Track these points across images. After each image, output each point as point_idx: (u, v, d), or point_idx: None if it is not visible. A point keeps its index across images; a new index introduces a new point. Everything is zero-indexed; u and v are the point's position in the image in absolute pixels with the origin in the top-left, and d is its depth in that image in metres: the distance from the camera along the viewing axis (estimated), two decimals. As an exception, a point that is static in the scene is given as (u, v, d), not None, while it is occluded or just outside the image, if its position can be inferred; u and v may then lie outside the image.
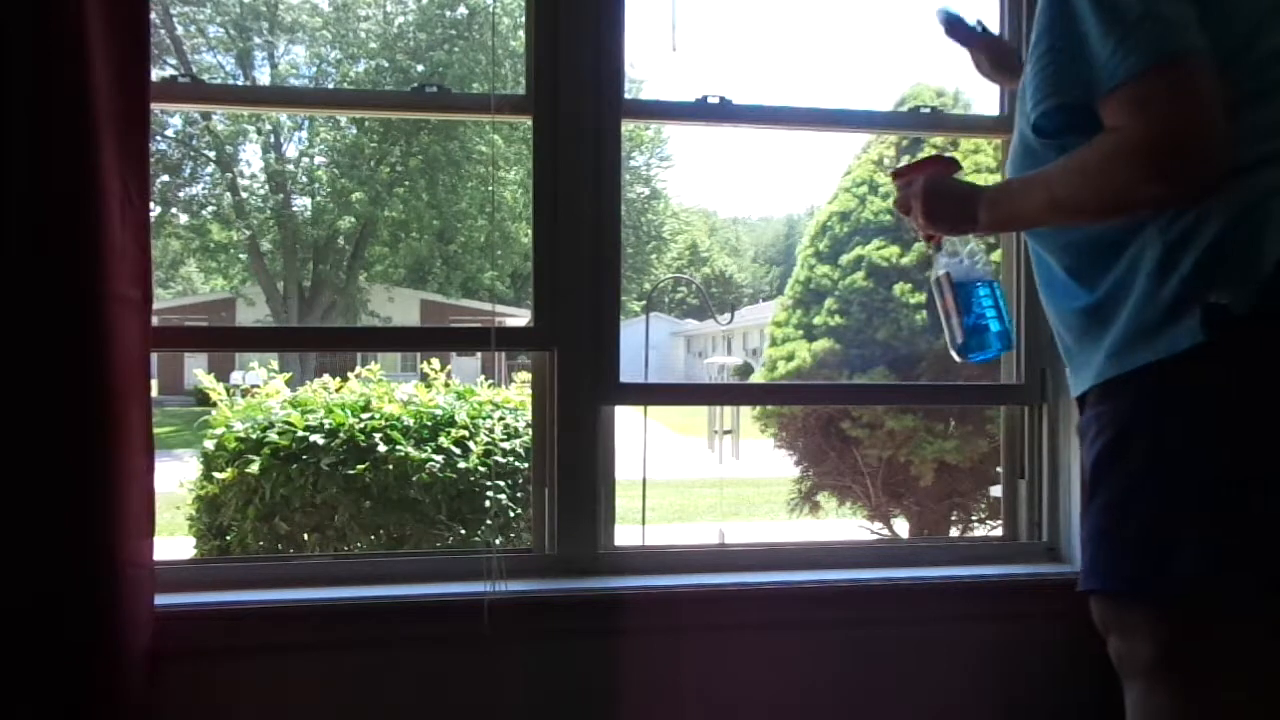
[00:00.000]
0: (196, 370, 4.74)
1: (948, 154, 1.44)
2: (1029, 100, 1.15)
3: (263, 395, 3.91)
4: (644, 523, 3.85)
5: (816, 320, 5.34)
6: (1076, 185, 1.10)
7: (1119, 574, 1.12)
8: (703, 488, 8.88)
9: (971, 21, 1.61)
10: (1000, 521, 2.02)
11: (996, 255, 2.02)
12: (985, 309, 1.36)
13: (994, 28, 1.68)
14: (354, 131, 17.85)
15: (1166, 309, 1.07)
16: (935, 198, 1.31)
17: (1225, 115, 1.00)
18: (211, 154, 18.14)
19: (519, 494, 3.60)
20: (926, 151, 4.89)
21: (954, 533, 5.32)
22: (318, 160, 18.54)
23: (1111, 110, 1.05)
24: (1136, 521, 1.10)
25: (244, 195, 18.30)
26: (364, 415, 3.60)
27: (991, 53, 1.62)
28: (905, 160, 5.28)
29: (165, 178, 17.25)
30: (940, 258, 1.38)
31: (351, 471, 3.45)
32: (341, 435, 3.51)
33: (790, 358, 5.32)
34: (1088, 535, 1.17)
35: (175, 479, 3.92)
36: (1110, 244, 1.13)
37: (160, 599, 1.52)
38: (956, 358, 1.40)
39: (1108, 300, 1.14)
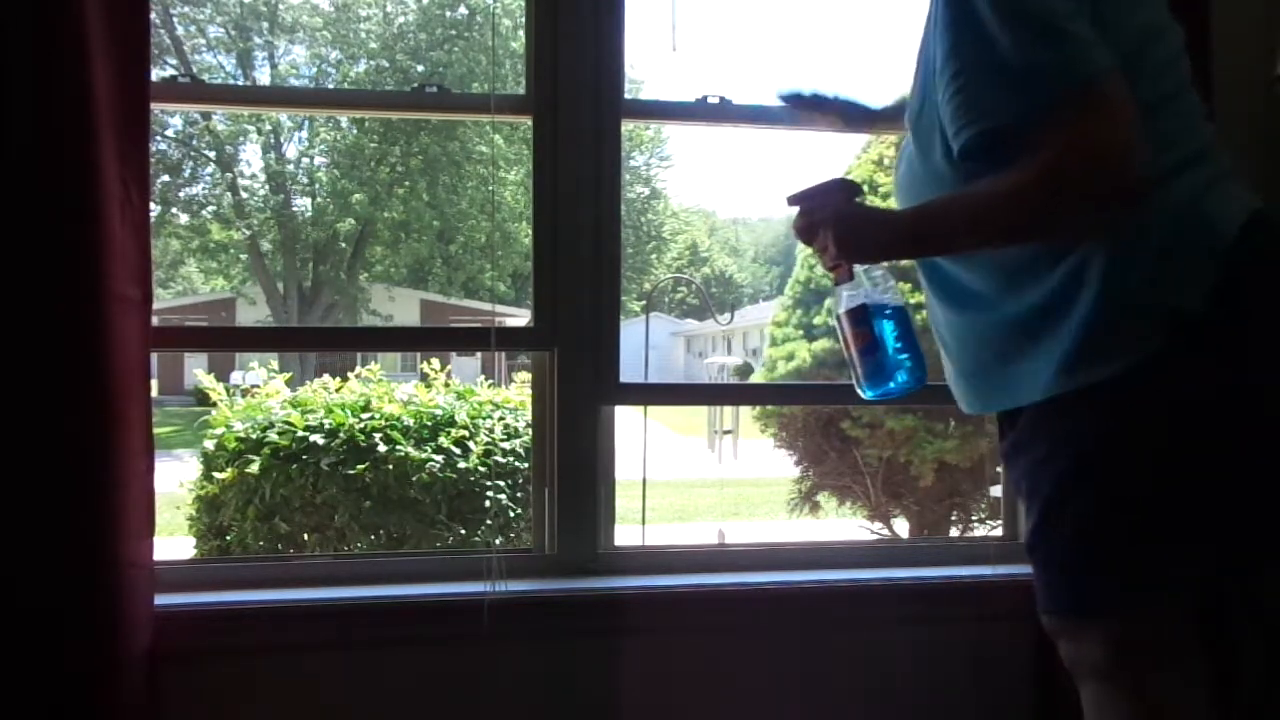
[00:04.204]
0: (196, 370, 4.74)
1: (848, 178, 1.30)
2: (950, 126, 1.10)
3: (263, 395, 3.91)
4: (644, 523, 3.86)
5: (816, 320, 5.34)
6: (1006, 208, 1.06)
7: (1080, 597, 1.12)
8: (703, 488, 8.88)
9: (808, 93, 1.54)
10: (1000, 521, 2.02)
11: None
12: (894, 338, 1.26)
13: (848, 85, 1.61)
14: (354, 132, 17.84)
15: (1121, 319, 1.06)
16: (851, 224, 1.21)
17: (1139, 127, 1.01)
18: (211, 154, 18.13)
19: (519, 494, 3.60)
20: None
21: (954, 533, 5.32)
22: (318, 160, 18.54)
23: (1035, 133, 1.02)
24: (1102, 547, 1.09)
25: (244, 195, 18.29)
26: (364, 415, 3.60)
27: (840, 113, 1.54)
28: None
29: (165, 178, 17.24)
30: (844, 291, 1.26)
31: (351, 471, 3.45)
32: (341, 435, 3.51)
33: (790, 358, 5.32)
34: (1050, 558, 1.14)
35: (175, 479, 3.92)
36: (1045, 252, 1.10)
37: (160, 599, 1.52)
38: (863, 394, 1.28)
39: (1047, 309, 1.10)
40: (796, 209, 1.29)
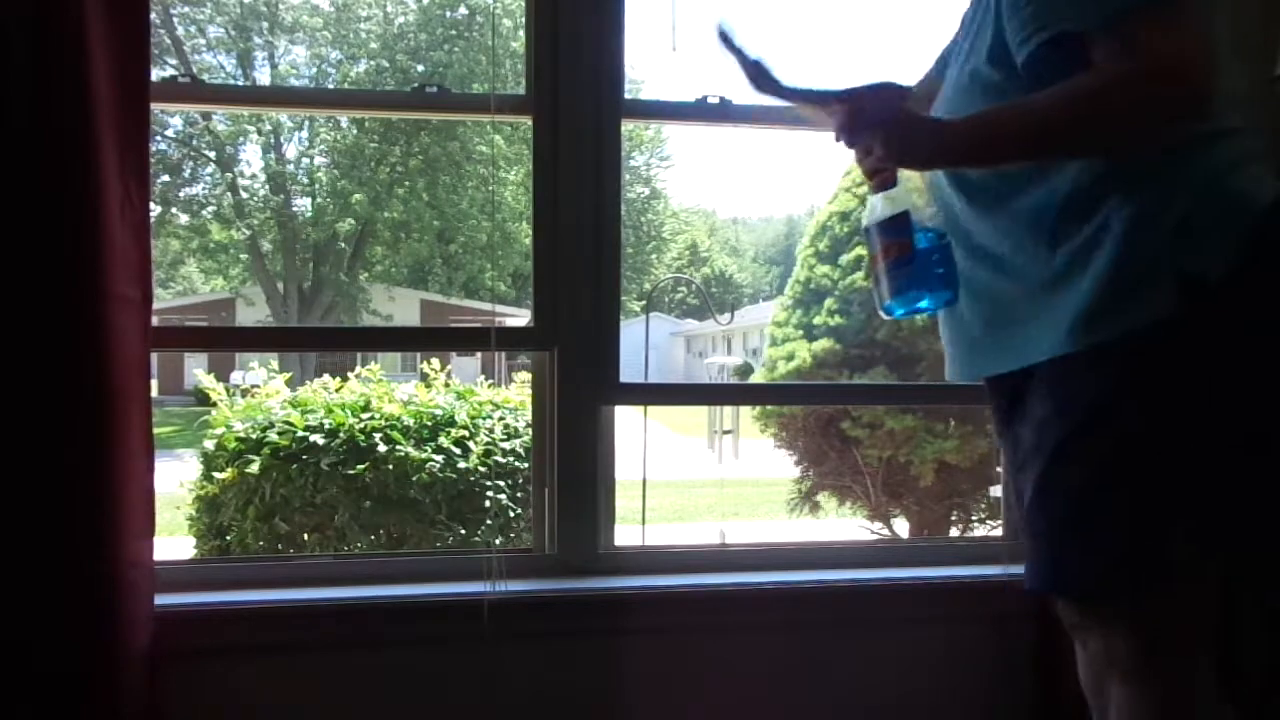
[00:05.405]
0: (196, 370, 4.74)
1: (897, 82, 1.22)
2: (1020, 31, 1.07)
3: (263, 395, 3.90)
4: (644, 523, 3.86)
5: (816, 320, 5.34)
6: (1075, 115, 1.04)
7: (1095, 575, 1.10)
8: (703, 488, 8.87)
9: (738, 41, 1.45)
10: (1000, 521, 2.02)
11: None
12: (933, 251, 1.19)
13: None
14: (354, 132, 17.83)
15: (1137, 280, 1.05)
16: (905, 126, 1.15)
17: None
18: (211, 154, 18.12)
19: (519, 494, 3.59)
20: None
21: (954, 533, 5.32)
22: (318, 161, 18.53)
23: (1115, 40, 1.01)
24: (1109, 516, 1.07)
25: (244, 195, 18.28)
26: (364, 415, 3.59)
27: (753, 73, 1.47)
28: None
29: (165, 178, 17.22)
30: (879, 200, 1.19)
31: (351, 471, 3.45)
32: (341, 435, 3.51)
33: (790, 358, 5.31)
34: (1049, 527, 1.11)
35: (175, 479, 3.91)
36: (1075, 208, 1.09)
37: (160, 599, 1.52)
38: (888, 311, 1.21)
39: (1066, 268, 1.09)
40: (840, 110, 1.20)
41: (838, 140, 1.20)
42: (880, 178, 1.18)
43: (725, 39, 1.45)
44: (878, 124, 1.15)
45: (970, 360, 1.25)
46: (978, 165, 1.17)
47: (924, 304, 1.20)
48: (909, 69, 1.49)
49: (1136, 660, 1.10)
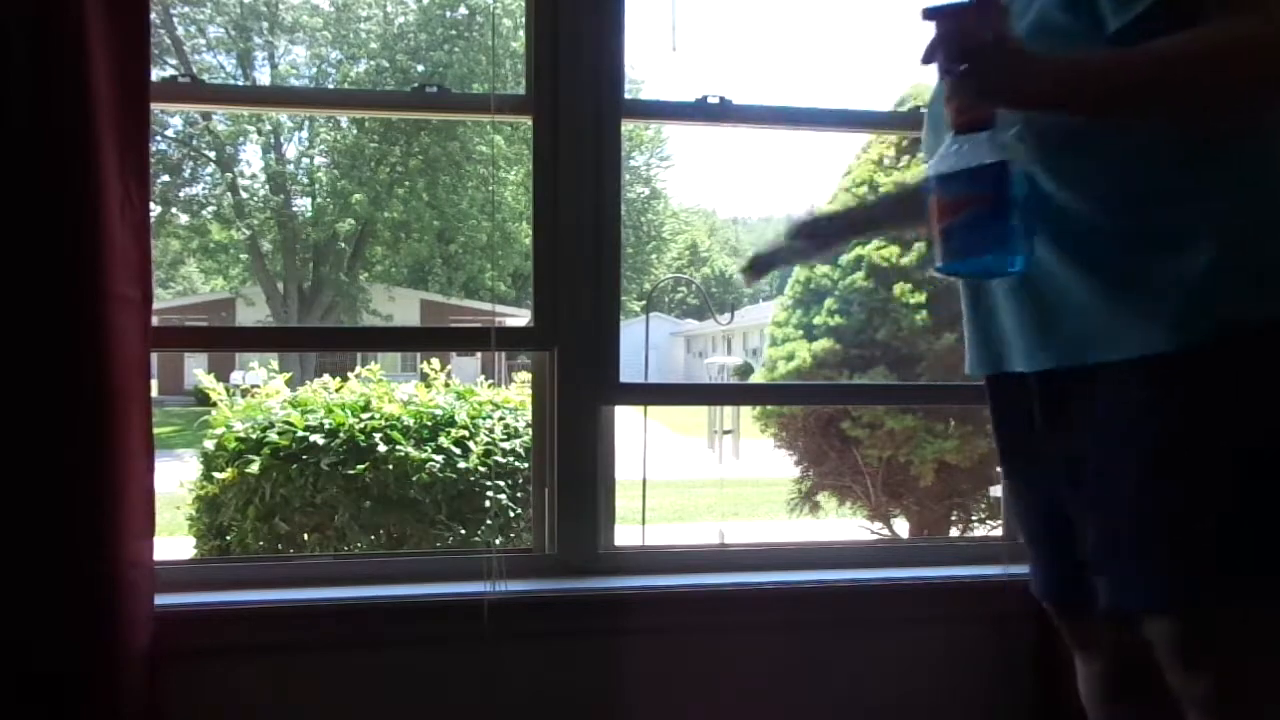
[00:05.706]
0: (196, 370, 4.74)
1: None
2: None
3: (263, 395, 3.90)
4: (644, 523, 3.86)
5: (816, 320, 5.34)
6: (1206, 69, 0.93)
7: (1211, 583, 0.98)
8: (703, 488, 8.87)
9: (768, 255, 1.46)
10: (1000, 521, 2.02)
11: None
12: (1022, 209, 1.01)
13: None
14: (354, 132, 17.84)
15: (1244, 276, 0.96)
16: (1008, 56, 0.96)
17: None
18: (211, 154, 18.14)
19: (519, 494, 3.60)
20: None
21: (954, 533, 5.32)
22: (318, 160, 18.55)
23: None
24: (1190, 539, 0.97)
25: (244, 195, 18.29)
26: (364, 415, 3.60)
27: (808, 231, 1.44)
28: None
29: (165, 178, 17.23)
30: (950, 148, 1.00)
31: (351, 471, 3.45)
32: (341, 435, 3.51)
33: (790, 358, 5.32)
34: (1124, 548, 1.01)
35: (175, 479, 3.91)
36: (1160, 173, 0.99)
37: (160, 599, 1.52)
38: (952, 271, 1.05)
39: (1152, 248, 0.99)
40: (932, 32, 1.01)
41: (925, 64, 1.01)
42: (971, 115, 0.99)
43: (769, 264, 1.48)
44: (978, 49, 0.96)
45: (1010, 348, 1.14)
46: (1097, 111, 1.02)
47: (1017, 262, 1.03)
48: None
49: (1212, 696, 1.00)
